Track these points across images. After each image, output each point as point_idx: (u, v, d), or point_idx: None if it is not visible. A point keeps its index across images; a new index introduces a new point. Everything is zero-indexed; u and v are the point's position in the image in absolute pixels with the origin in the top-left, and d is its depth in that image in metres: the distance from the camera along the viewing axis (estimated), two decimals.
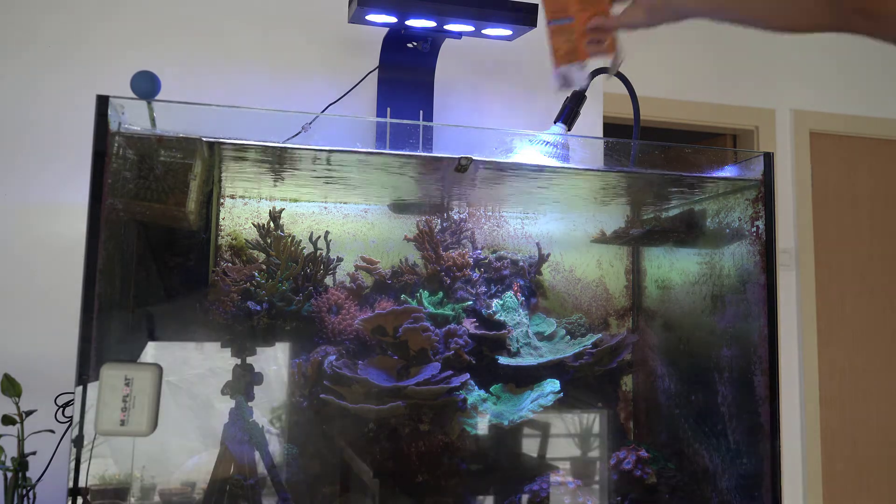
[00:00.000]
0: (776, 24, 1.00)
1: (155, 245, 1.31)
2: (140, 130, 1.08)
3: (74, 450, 0.98)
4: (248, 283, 1.36)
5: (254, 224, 1.41)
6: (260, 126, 1.17)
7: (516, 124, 1.79)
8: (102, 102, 1.02)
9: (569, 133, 1.35)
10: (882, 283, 3.37)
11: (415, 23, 1.39)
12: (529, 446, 1.51)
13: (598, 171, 1.35)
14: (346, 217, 1.50)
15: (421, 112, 1.53)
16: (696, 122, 3.02)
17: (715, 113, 3.00)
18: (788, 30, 1.00)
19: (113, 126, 1.03)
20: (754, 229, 1.33)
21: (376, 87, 1.55)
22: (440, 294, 1.49)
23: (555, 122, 1.39)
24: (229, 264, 1.38)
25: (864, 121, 3.24)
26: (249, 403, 1.32)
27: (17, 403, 1.24)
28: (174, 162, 1.16)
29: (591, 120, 1.82)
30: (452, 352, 1.41)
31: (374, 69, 1.54)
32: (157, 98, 1.06)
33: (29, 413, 1.24)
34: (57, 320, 1.45)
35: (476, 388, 1.42)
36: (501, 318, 1.48)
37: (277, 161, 1.26)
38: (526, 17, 1.40)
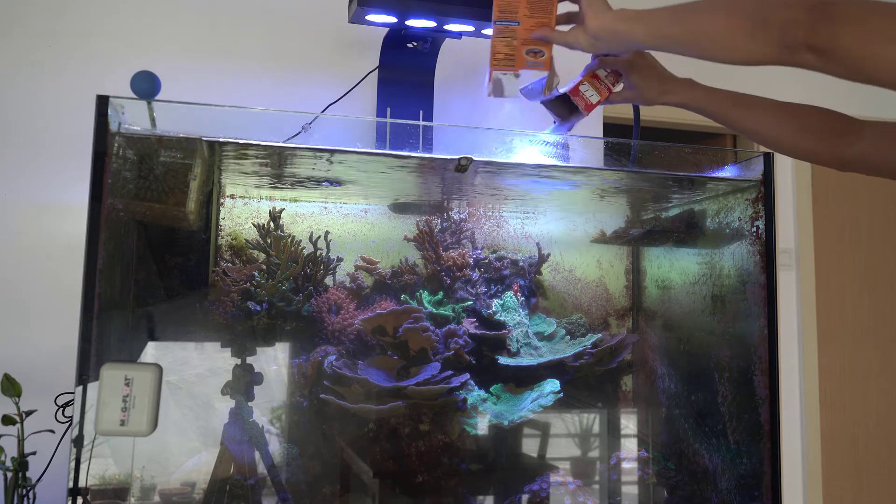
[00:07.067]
0: (724, 57, 1.05)
1: (155, 245, 1.31)
2: (140, 130, 1.08)
3: (74, 450, 0.98)
4: (248, 283, 1.36)
5: (254, 224, 1.41)
6: (260, 126, 1.17)
7: (516, 124, 1.79)
8: (102, 102, 1.02)
9: (569, 133, 1.35)
10: (882, 283, 3.37)
11: (415, 23, 1.39)
12: (529, 446, 1.51)
13: (598, 170, 1.35)
14: (346, 217, 1.50)
15: (421, 112, 1.52)
16: (696, 121, 3.01)
17: None
18: (737, 63, 1.04)
19: (113, 126, 1.03)
20: (754, 229, 1.33)
21: (376, 87, 1.55)
22: (440, 294, 1.49)
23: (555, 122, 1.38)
24: (229, 264, 1.37)
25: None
26: (249, 403, 1.32)
27: (17, 403, 1.24)
28: (174, 162, 1.16)
29: (591, 120, 1.81)
30: (452, 352, 1.41)
31: (374, 69, 1.54)
32: (157, 98, 1.06)
33: (29, 413, 1.24)
34: (57, 320, 1.45)
35: (476, 388, 1.42)
36: (501, 318, 1.48)
37: (278, 161, 1.26)
38: None
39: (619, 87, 1.26)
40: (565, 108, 1.23)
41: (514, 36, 1.16)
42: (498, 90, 1.21)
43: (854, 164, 1.22)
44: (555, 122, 1.26)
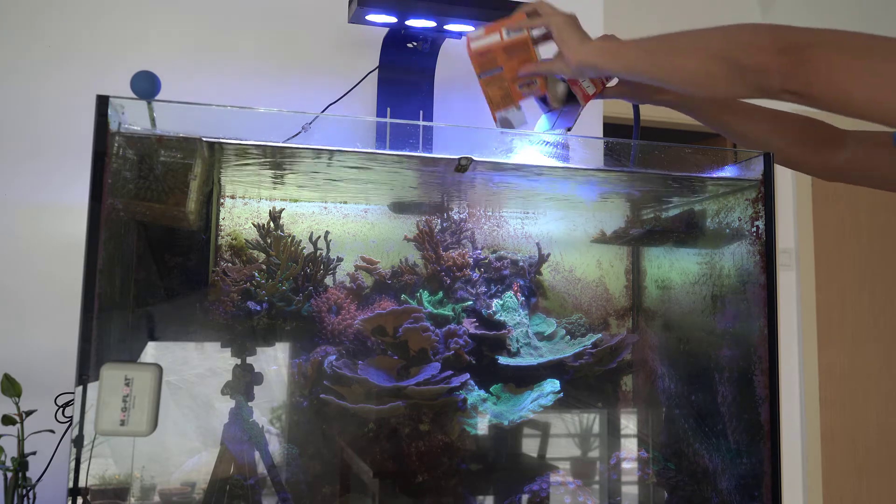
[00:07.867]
0: (703, 95, 1.08)
1: (155, 245, 1.31)
2: (140, 130, 1.08)
3: (74, 450, 0.98)
4: (248, 283, 1.36)
5: (254, 224, 1.41)
6: (260, 126, 1.17)
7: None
8: (102, 102, 1.02)
9: (569, 133, 1.35)
10: (882, 283, 3.37)
11: (415, 23, 1.39)
12: (529, 446, 1.51)
13: (598, 170, 1.35)
14: (346, 217, 1.50)
15: (421, 112, 1.53)
16: (697, 122, 3.01)
17: None
18: (718, 98, 1.07)
19: (113, 126, 1.03)
20: (754, 229, 1.33)
21: (376, 87, 1.55)
22: (440, 294, 1.49)
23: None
24: (229, 264, 1.38)
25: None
26: (249, 403, 1.32)
27: (17, 403, 1.24)
28: (174, 162, 1.16)
29: (591, 120, 1.82)
30: (452, 352, 1.41)
31: (374, 69, 1.54)
32: (157, 98, 1.06)
33: (29, 413, 1.24)
34: (57, 320, 1.45)
35: (476, 388, 1.42)
36: (501, 318, 1.48)
37: (278, 161, 1.26)
38: None
39: (612, 82, 1.27)
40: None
41: (503, 79, 1.20)
42: (507, 124, 1.26)
43: (838, 174, 1.24)
44: (547, 112, 1.28)
